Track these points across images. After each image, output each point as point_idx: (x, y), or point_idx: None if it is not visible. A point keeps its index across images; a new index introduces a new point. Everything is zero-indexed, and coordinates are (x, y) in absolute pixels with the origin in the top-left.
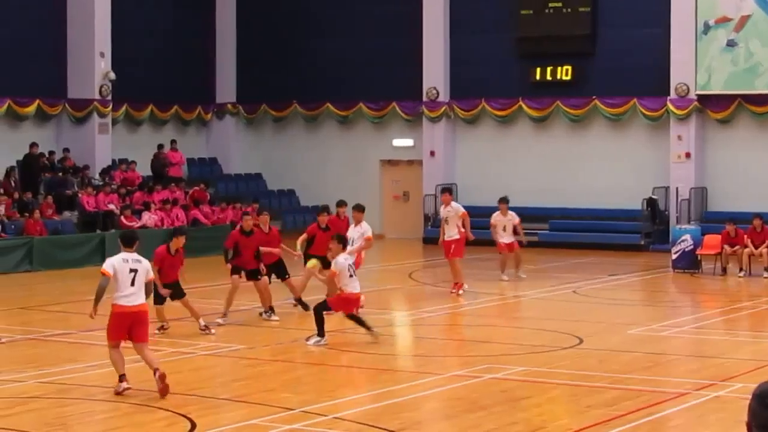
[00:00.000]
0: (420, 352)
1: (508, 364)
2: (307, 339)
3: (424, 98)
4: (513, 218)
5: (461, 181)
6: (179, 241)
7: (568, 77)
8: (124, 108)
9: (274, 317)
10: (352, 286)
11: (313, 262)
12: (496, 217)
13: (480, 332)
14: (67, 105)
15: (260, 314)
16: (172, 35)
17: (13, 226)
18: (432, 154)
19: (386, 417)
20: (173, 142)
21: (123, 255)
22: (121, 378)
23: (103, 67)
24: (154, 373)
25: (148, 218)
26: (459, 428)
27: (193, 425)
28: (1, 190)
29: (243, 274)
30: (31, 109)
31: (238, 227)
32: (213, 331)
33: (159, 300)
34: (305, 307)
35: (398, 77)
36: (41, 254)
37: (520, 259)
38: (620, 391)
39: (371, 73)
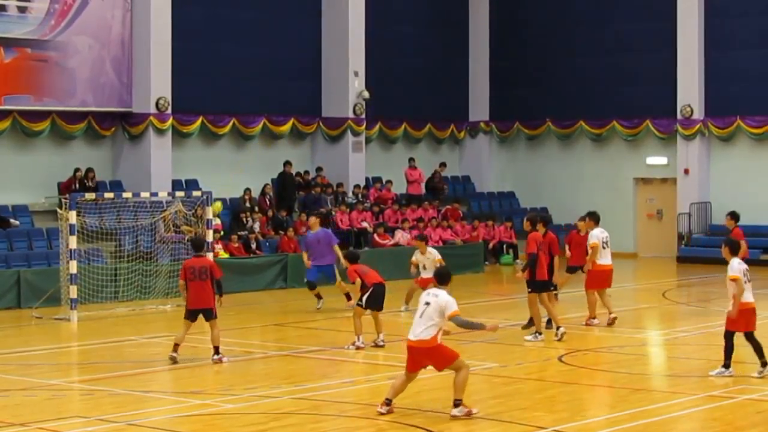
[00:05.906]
0: (674, 372)
1: (764, 385)
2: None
3: (679, 116)
4: None
5: (716, 199)
6: None
7: None
8: (377, 126)
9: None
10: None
11: None
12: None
13: (735, 352)
14: (321, 124)
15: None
16: (425, 53)
17: (268, 244)
18: (686, 172)
19: None
20: (411, 160)
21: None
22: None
23: (357, 86)
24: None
25: (401, 236)
26: None
27: None
28: (257, 208)
29: None
30: (287, 127)
31: None
32: None
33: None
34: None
35: (652, 95)
36: (296, 271)
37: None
38: None
39: (625, 90)
